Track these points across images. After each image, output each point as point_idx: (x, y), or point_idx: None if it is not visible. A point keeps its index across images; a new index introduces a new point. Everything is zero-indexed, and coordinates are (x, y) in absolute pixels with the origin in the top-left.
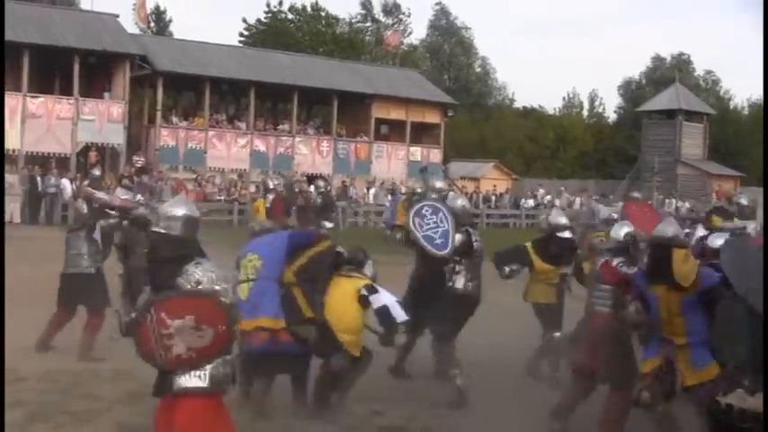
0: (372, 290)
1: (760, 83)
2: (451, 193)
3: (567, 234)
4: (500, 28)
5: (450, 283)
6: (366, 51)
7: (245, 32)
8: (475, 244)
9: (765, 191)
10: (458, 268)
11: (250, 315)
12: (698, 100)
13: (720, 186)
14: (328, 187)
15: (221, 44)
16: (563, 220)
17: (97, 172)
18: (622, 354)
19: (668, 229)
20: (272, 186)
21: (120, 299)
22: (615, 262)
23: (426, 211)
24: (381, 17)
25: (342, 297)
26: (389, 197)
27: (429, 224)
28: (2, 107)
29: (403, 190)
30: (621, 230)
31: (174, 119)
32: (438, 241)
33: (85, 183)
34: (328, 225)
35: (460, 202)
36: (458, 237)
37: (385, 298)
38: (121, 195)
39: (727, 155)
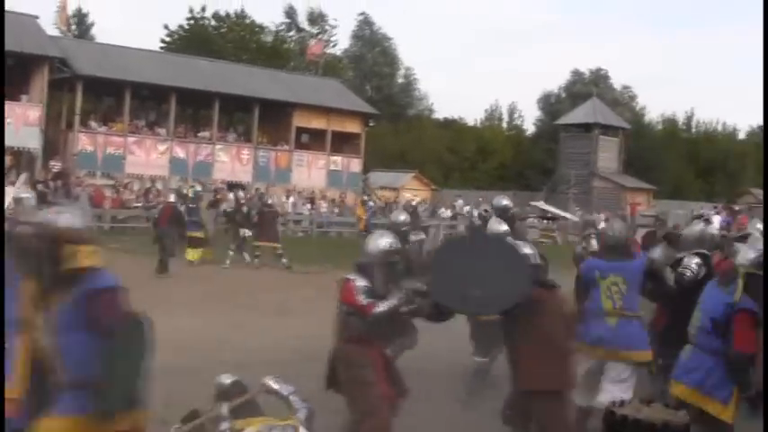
0: None
1: (674, 98)
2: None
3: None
4: (424, 39)
5: None
6: (290, 60)
7: (167, 38)
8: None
9: (765, 192)
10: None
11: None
12: (614, 114)
13: (634, 199)
14: (248, 196)
15: (142, 49)
16: (503, 228)
17: None
18: None
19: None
20: (172, 199)
21: None
22: None
23: None
24: (306, 26)
25: None
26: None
27: None
28: (2, 108)
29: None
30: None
31: (93, 123)
32: None
33: None
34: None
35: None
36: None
37: None
38: None
39: (641, 169)
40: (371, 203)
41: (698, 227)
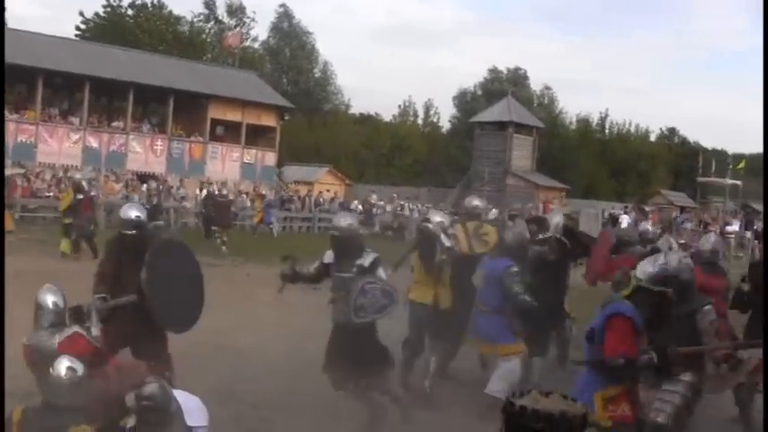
0: None
1: (588, 100)
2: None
3: None
4: (343, 34)
5: None
6: (206, 52)
7: (82, 26)
8: None
9: (765, 192)
10: None
11: None
12: (528, 113)
13: (547, 198)
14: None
15: (56, 36)
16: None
17: None
18: None
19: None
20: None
21: None
22: None
23: (361, 300)
24: (225, 18)
25: None
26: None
27: (371, 302)
28: (2, 108)
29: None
30: None
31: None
32: (385, 301)
33: None
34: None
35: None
36: (381, 270)
37: None
38: None
39: (555, 168)
40: (270, 197)
41: (557, 217)
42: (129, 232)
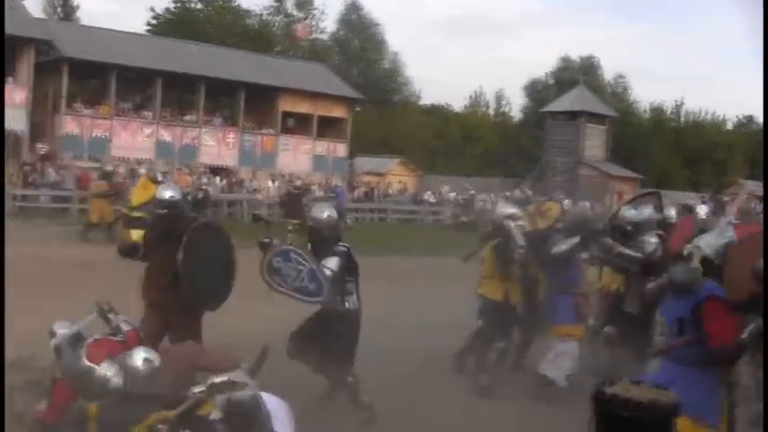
0: None
1: (662, 89)
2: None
3: None
4: (412, 24)
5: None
6: (275, 45)
7: (153, 21)
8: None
9: (765, 190)
10: (349, 288)
11: None
12: (600, 102)
13: (621, 189)
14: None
15: (128, 32)
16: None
17: None
18: None
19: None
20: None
21: None
22: None
23: (279, 263)
24: (293, 11)
25: None
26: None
27: (291, 275)
28: (2, 105)
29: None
30: None
31: (79, 106)
32: (311, 287)
33: None
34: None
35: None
36: (334, 260)
37: None
38: None
39: (627, 157)
40: (339, 188)
41: (647, 210)
42: (162, 211)
